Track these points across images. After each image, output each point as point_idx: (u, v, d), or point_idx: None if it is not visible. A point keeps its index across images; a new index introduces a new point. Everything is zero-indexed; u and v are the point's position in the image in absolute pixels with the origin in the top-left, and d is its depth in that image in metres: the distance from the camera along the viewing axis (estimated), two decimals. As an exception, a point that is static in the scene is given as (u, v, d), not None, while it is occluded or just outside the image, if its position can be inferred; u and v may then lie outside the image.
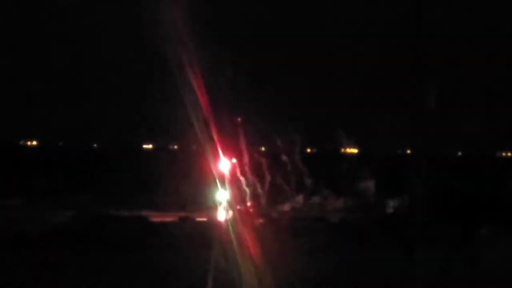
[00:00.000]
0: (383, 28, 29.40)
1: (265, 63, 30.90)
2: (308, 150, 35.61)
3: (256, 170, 29.28)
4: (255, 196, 29.42)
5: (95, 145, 39.81)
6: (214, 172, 27.19)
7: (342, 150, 34.88)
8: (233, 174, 28.39)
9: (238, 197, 28.21)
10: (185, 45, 24.36)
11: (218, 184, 27.47)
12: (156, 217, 28.62)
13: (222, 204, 27.40)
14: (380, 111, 31.03)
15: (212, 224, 25.99)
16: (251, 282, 18.53)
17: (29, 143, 39.66)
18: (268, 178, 29.62)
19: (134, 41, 30.85)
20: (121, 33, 31.25)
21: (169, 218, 28.80)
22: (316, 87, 32.29)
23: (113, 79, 32.79)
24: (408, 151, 30.32)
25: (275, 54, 31.38)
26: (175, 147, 35.90)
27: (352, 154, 34.68)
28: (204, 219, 27.96)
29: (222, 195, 27.67)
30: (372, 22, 29.80)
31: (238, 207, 28.25)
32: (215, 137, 25.96)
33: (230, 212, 26.96)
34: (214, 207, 27.59)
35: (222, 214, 27.11)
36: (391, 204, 31.19)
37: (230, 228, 24.37)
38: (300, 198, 30.94)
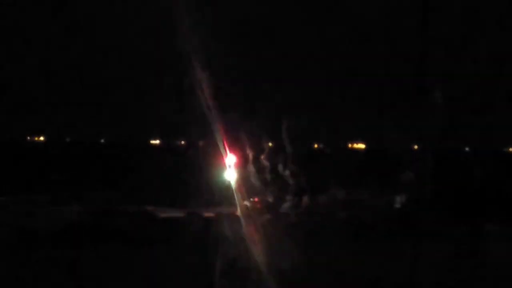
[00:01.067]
0: (390, 21, 29.35)
1: (272, 57, 30.87)
2: (316, 145, 35.65)
3: (265, 166, 29.28)
4: (263, 192, 29.43)
5: (102, 140, 39.86)
6: (222, 167, 27.21)
7: (350, 145, 34.94)
8: (241, 169, 28.41)
9: (246, 193, 28.22)
10: (192, 41, 24.41)
11: (226, 180, 27.50)
12: (163, 213, 28.70)
13: (230, 199, 27.42)
14: (387, 106, 31.00)
15: (220, 220, 26.05)
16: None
17: (36, 138, 39.69)
18: (277, 173, 29.61)
19: (141, 36, 30.90)
20: (129, 28, 31.29)
21: (176, 213, 28.86)
22: (322, 83, 32.26)
23: (118, 75, 32.84)
24: (415, 147, 30.33)
25: (281, 48, 31.37)
26: (182, 142, 35.96)
27: (360, 150, 34.76)
28: (212, 214, 27.99)
29: (230, 191, 27.68)
30: (378, 16, 29.75)
31: (246, 203, 28.26)
32: (223, 132, 25.98)
33: (238, 208, 26.98)
34: (221, 202, 27.63)
35: (230, 210, 27.14)
36: (398, 200, 31.20)
37: (239, 224, 24.43)
38: (309, 195, 30.95)
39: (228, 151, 27.03)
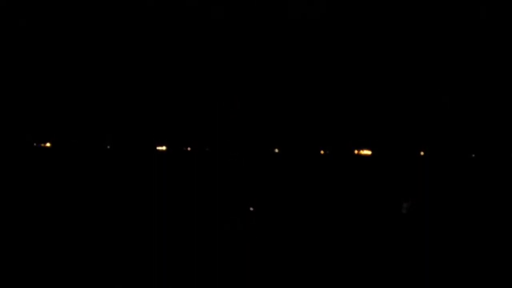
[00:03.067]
0: (396, 23, 29.44)
1: (275, 60, 30.98)
2: (322, 152, 35.60)
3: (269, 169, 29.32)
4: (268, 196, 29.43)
5: (108, 146, 39.91)
6: (226, 171, 27.24)
7: (356, 151, 34.87)
8: (244, 173, 28.43)
9: (250, 197, 28.23)
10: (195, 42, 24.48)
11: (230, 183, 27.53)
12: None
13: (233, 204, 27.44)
14: (392, 111, 31.06)
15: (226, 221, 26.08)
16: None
17: (42, 144, 39.77)
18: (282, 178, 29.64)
19: (143, 38, 31.04)
20: (132, 29, 31.43)
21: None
22: (325, 85, 32.31)
23: (123, 78, 32.94)
24: (421, 153, 30.33)
25: (285, 51, 31.45)
26: (189, 148, 36.00)
27: (366, 156, 34.70)
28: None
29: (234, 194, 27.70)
30: (385, 15, 29.84)
31: (251, 208, 28.28)
32: (228, 136, 26.01)
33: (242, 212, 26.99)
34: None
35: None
36: (404, 205, 31.15)
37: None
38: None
39: (234, 154, 27.08)
